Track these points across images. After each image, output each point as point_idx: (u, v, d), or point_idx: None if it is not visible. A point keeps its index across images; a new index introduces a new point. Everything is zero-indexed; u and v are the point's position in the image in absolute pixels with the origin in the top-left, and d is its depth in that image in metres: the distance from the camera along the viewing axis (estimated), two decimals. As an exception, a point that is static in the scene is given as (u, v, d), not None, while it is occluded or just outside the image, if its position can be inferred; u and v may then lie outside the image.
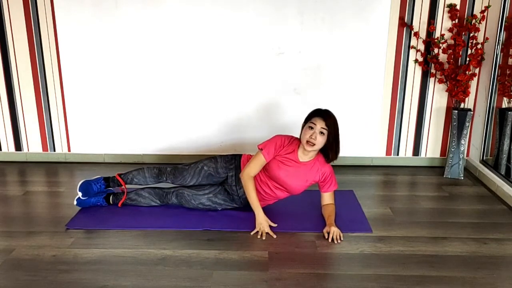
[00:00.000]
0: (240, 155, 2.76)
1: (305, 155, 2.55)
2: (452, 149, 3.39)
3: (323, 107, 2.56)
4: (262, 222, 2.52)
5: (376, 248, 2.37)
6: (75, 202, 2.75)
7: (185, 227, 2.56)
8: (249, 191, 2.57)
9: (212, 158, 2.77)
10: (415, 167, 3.64)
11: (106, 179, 2.83)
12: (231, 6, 3.31)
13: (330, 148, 2.52)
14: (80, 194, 2.74)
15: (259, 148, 2.59)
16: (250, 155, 2.73)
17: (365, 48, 3.38)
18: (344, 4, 3.29)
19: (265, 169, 2.61)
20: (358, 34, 3.36)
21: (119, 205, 2.78)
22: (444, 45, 3.28)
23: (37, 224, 2.62)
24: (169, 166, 2.84)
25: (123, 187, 2.81)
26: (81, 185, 2.75)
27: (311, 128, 2.46)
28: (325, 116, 2.48)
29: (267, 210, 2.70)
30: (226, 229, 2.54)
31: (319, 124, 2.45)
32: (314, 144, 2.45)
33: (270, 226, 2.54)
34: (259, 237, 2.46)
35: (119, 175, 2.82)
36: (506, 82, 3.22)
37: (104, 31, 3.38)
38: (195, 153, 3.60)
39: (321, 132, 2.46)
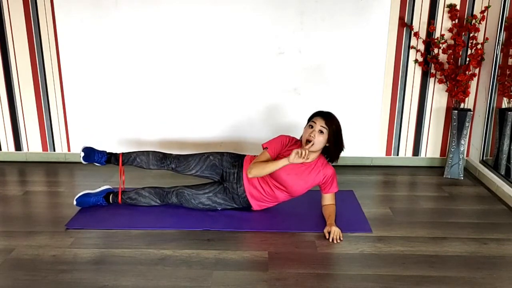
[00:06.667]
0: (244, 156, 2.78)
1: (307, 155, 2.56)
2: (452, 149, 3.39)
3: (325, 109, 2.58)
4: (292, 152, 2.42)
5: (376, 248, 2.37)
6: (74, 202, 2.75)
7: (185, 227, 2.56)
8: (265, 167, 2.51)
9: (219, 152, 2.82)
10: (415, 167, 3.64)
11: (109, 155, 2.86)
12: (231, 6, 3.31)
13: (332, 148, 2.52)
14: (82, 154, 2.80)
15: (263, 147, 2.60)
16: (254, 156, 2.74)
17: (365, 48, 3.38)
18: (344, 4, 3.29)
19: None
20: (358, 34, 3.36)
21: (119, 201, 2.78)
22: (444, 45, 3.28)
23: (37, 224, 2.62)
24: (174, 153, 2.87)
25: (122, 186, 2.82)
26: (85, 148, 2.83)
27: (311, 127, 2.50)
28: (326, 115, 2.51)
29: (267, 210, 2.71)
30: (226, 229, 2.54)
31: (319, 123, 2.48)
32: (313, 143, 2.46)
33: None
34: (302, 156, 2.39)
35: (122, 154, 2.84)
36: (506, 82, 3.22)
37: (104, 31, 3.38)
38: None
39: (321, 131, 2.47)
